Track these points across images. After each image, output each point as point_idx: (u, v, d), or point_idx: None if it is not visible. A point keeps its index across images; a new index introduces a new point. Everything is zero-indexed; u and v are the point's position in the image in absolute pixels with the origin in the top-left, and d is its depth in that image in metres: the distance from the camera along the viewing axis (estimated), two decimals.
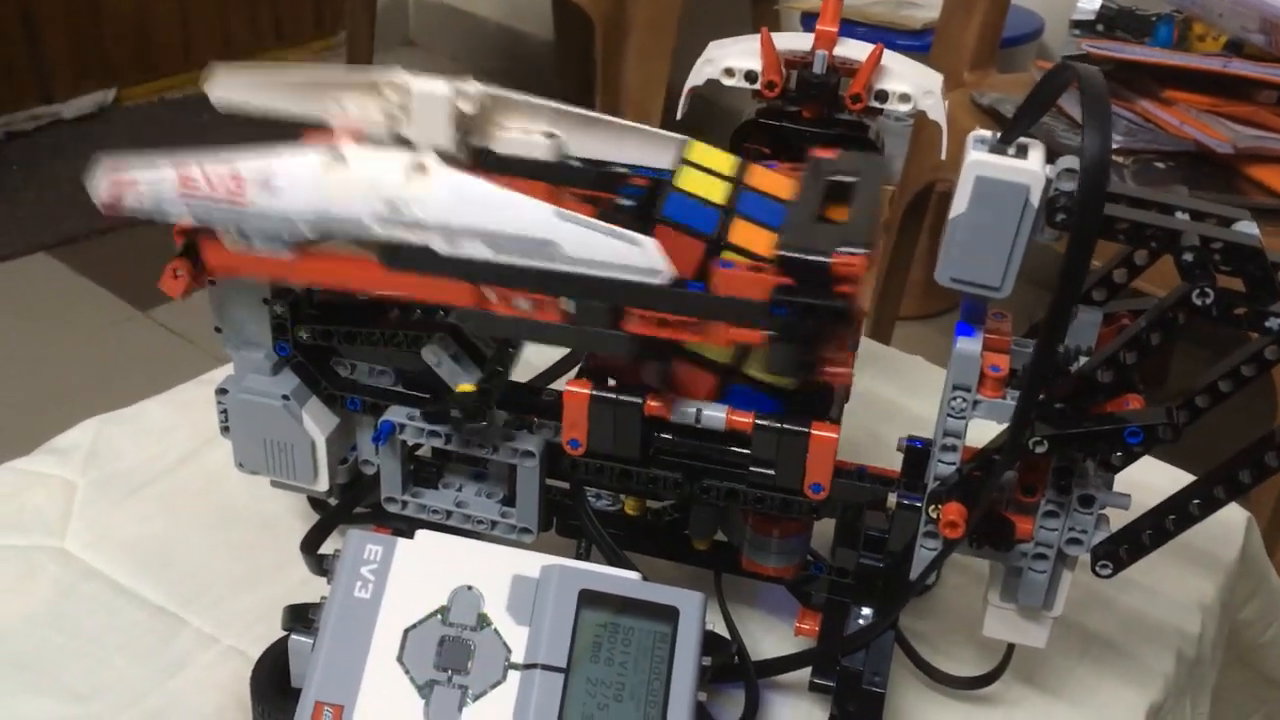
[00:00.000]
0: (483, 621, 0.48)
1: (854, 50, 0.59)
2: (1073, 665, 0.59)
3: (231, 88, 0.56)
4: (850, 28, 0.60)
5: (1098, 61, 1.27)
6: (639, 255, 0.45)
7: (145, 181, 0.48)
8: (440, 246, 0.47)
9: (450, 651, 0.47)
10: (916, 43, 1.66)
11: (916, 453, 0.53)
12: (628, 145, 0.56)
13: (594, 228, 0.45)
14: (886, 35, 1.64)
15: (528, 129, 0.56)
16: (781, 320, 0.45)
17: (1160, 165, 1.16)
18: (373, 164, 0.47)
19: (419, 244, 0.47)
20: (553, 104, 0.55)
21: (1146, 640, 0.61)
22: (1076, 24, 1.40)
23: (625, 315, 0.47)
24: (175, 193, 0.48)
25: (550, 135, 0.56)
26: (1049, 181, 0.45)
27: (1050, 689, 0.58)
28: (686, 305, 0.46)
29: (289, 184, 0.47)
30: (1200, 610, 0.64)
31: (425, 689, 0.47)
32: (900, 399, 0.76)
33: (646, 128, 0.56)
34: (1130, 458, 0.48)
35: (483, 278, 0.47)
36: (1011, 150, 0.45)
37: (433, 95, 0.54)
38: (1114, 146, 1.17)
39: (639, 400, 0.50)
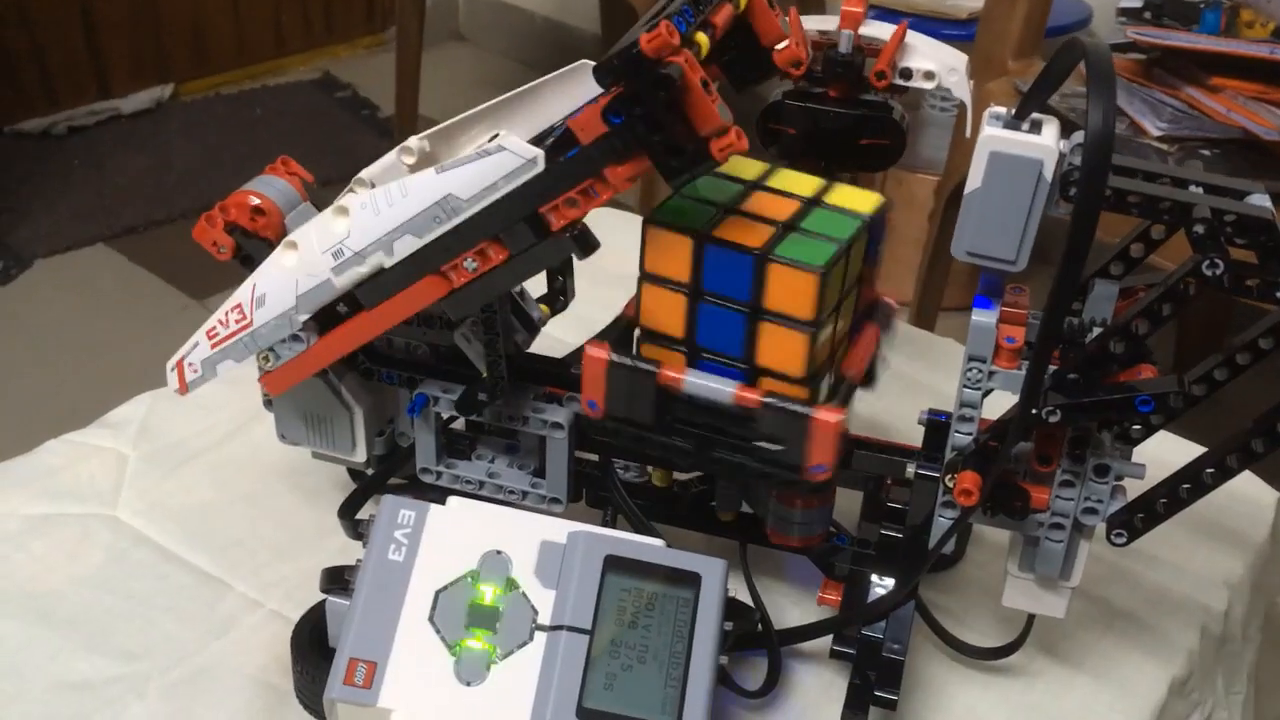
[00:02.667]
0: (511, 584, 0.50)
1: (879, 30, 0.60)
2: (1096, 639, 0.60)
3: None
4: (895, 17, 0.61)
5: (1144, 49, 1.27)
6: (508, 158, 0.47)
7: (190, 356, 0.54)
8: (386, 261, 0.50)
9: (479, 612, 0.49)
10: (962, 32, 1.65)
11: (938, 425, 0.54)
12: (559, 99, 0.56)
13: (464, 161, 0.48)
14: (932, 24, 1.64)
15: (475, 140, 0.57)
16: (624, 126, 0.45)
17: (1206, 153, 1.15)
18: (309, 231, 0.51)
19: (372, 271, 0.50)
20: (485, 105, 0.56)
21: (1171, 615, 0.62)
22: (1123, 11, 1.40)
23: (545, 219, 0.48)
24: (210, 350, 0.54)
25: (494, 137, 0.56)
26: (1063, 156, 0.45)
27: (1072, 661, 0.59)
28: (571, 172, 0.47)
29: (268, 287, 0.52)
30: (1227, 588, 0.64)
31: (455, 648, 0.48)
32: (930, 379, 0.76)
33: (560, 72, 0.55)
34: (1148, 430, 0.49)
35: (427, 265, 0.50)
36: (1026, 126, 0.46)
37: (386, 168, 0.55)
38: (1159, 134, 1.17)
39: (654, 368, 0.51)
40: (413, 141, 0.55)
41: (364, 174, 0.55)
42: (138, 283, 1.79)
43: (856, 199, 0.53)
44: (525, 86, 0.55)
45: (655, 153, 0.46)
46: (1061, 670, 0.58)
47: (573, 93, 0.55)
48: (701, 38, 0.48)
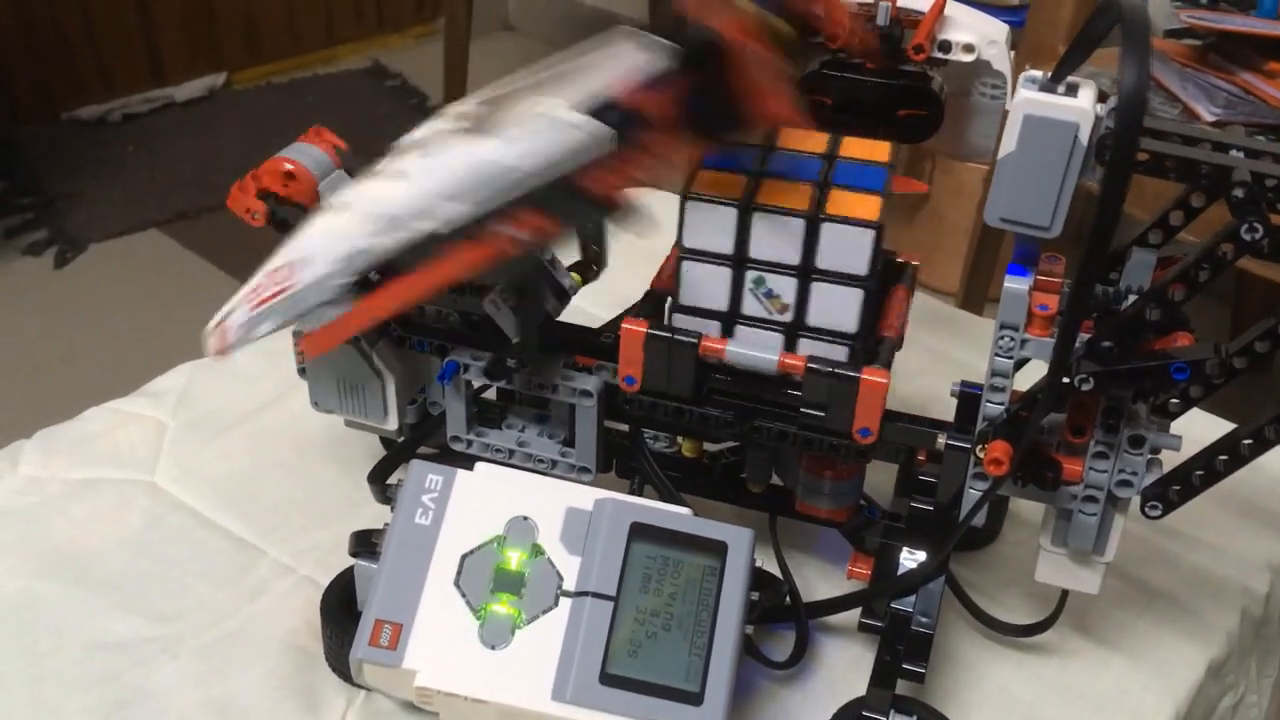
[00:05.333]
0: (537, 550, 0.50)
1: (918, 1, 0.59)
2: (1133, 619, 0.59)
3: None
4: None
5: (1200, 33, 1.24)
6: (575, 134, 0.46)
7: (229, 319, 0.52)
8: (436, 228, 0.48)
9: (505, 577, 0.49)
10: (1014, 18, 1.63)
11: (970, 397, 0.53)
12: (598, 71, 0.55)
13: (526, 134, 0.47)
14: (984, 10, 1.61)
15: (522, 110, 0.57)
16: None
17: (1261, 138, 1.12)
18: (357, 194, 0.50)
19: (420, 236, 0.49)
20: (526, 76, 0.56)
21: (1211, 597, 0.60)
22: None
23: (579, 181, 0.48)
24: (251, 313, 0.51)
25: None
26: (1099, 120, 0.45)
27: (1109, 641, 0.58)
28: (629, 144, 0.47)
29: (312, 250, 0.50)
30: (1269, 570, 0.63)
31: (480, 611, 0.49)
32: (969, 359, 0.75)
33: (598, 44, 0.55)
34: (1186, 403, 0.48)
35: (476, 233, 0.48)
36: (1061, 89, 0.45)
37: (433, 134, 0.54)
38: (1213, 119, 1.15)
39: (694, 339, 0.51)
40: (469, 106, 0.55)
41: (405, 141, 0.55)
42: (189, 267, 1.81)
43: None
44: (561, 60, 0.55)
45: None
46: (1097, 650, 0.57)
47: (609, 64, 0.55)
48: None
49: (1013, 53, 0.60)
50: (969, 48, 0.59)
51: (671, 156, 0.48)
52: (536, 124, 0.47)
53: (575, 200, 0.48)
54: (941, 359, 0.76)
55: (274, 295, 0.51)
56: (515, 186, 0.47)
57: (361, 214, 0.50)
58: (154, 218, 1.90)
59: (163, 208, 1.92)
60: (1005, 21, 0.61)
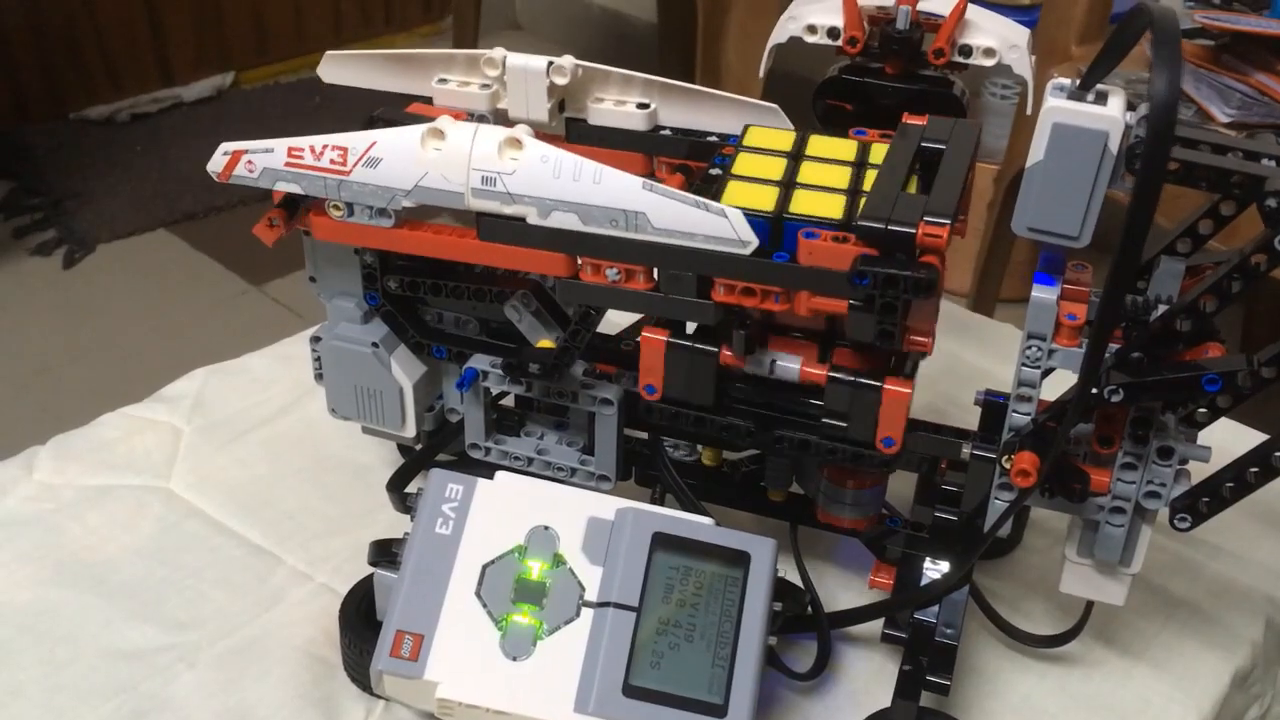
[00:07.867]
0: (558, 560, 0.50)
1: (938, 5, 0.58)
2: (1157, 630, 0.58)
3: (342, 68, 0.60)
4: None
5: (1213, 33, 1.24)
6: (725, 226, 0.46)
7: (256, 153, 0.51)
8: (533, 218, 0.48)
9: (526, 587, 0.49)
10: (1026, 18, 1.62)
11: (995, 407, 0.52)
12: (720, 114, 0.57)
13: (681, 199, 0.46)
14: (996, 10, 1.61)
15: (622, 100, 0.57)
16: (863, 290, 0.45)
17: (1276, 139, 1.12)
18: (469, 138, 0.48)
19: (513, 215, 0.49)
20: (646, 75, 0.57)
21: (1235, 606, 0.60)
22: None
23: (711, 284, 0.48)
24: (282, 164, 0.51)
25: (644, 105, 0.57)
26: (1129, 128, 0.44)
27: (1133, 652, 0.57)
28: (771, 275, 0.47)
29: (389, 156, 0.49)
30: None
31: (502, 622, 0.48)
32: (987, 365, 0.75)
33: (737, 97, 0.56)
34: (1214, 413, 0.47)
35: (574, 249, 0.49)
36: (1090, 97, 0.44)
37: (527, 69, 0.56)
38: (1227, 120, 1.14)
39: (714, 349, 0.50)
40: (567, 63, 0.55)
41: (501, 53, 0.56)
42: (198, 267, 1.81)
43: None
44: (697, 87, 0.56)
45: (868, 326, 0.46)
46: (1121, 660, 0.57)
47: (740, 120, 0.56)
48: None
49: (1033, 57, 0.60)
50: (990, 52, 0.59)
51: (804, 314, 0.48)
52: (693, 200, 0.47)
53: (692, 287, 0.48)
54: (953, 362, 0.76)
55: (318, 170, 0.50)
56: (635, 231, 0.47)
57: (465, 160, 0.48)
58: (162, 218, 1.90)
59: (171, 208, 1.92)
60: (1019, 21, 0.61)
